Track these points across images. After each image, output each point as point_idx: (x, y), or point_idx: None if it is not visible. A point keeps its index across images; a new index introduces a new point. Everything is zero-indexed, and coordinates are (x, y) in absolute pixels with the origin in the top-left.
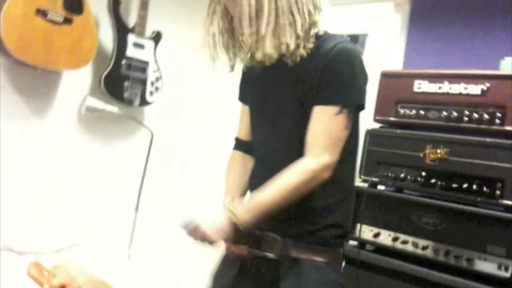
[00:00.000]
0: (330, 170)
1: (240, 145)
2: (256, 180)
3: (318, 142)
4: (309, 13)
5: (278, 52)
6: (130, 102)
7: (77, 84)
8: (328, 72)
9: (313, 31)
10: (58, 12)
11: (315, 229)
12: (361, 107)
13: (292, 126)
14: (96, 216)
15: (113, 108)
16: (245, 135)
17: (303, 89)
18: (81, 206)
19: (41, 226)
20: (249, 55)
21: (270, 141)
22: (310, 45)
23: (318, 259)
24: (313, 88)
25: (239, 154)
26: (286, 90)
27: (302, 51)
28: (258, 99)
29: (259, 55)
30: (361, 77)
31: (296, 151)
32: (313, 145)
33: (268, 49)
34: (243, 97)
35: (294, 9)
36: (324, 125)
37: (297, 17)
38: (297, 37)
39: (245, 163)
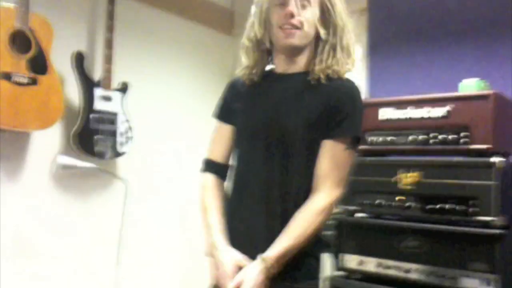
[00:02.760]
0: (338, 202)
1: (212, 167)
2: (243, 211)
3: (331, 177)
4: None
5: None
6: (102, 155)
7: (47, 143)
8: (342, 107)
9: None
10: (22, 73)
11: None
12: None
13: (304, 156)
14: (77, 274)
15: (85, 164)
16: (220, 156)
17: (314, 119)
18: (60, 264)
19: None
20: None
21: (270, 164)
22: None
23: None
24: (324, 121)
25: (213, 178)
26: (294, 116)
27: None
28: (256, 120)
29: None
30: (362, 112)
31: (302, 176)
32: (326, 180)
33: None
34: (226, 116)
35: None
36: (336, 159)
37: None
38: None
39: (221, 190)
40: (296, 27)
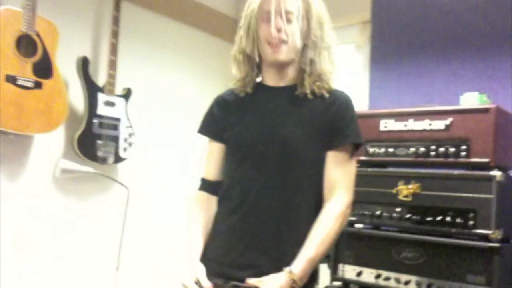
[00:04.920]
0: (352, 206)
1: (206, 186)
2: (237, 229)
3: (340, 185)
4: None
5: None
6: (104, 160)
7: (50, 146)
8: (342, 118)
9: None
10: (27, 77)
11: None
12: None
13: (305, 169)
14: (77, 278)
15: (87, 168)
16: (213, 174)
17: (313, 131)
18: (60, 268)
19: None
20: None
21: (269, 178)
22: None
23: None
24: (324, 132)
25: (205, 196)
26: (293, 129)
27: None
28: (251, 137)
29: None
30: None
31: (307, 188)
32: (338, 187)
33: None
34: (216, 134)
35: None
36: (343, 167)
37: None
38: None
39: (211, 207)
40: (283, 41)
